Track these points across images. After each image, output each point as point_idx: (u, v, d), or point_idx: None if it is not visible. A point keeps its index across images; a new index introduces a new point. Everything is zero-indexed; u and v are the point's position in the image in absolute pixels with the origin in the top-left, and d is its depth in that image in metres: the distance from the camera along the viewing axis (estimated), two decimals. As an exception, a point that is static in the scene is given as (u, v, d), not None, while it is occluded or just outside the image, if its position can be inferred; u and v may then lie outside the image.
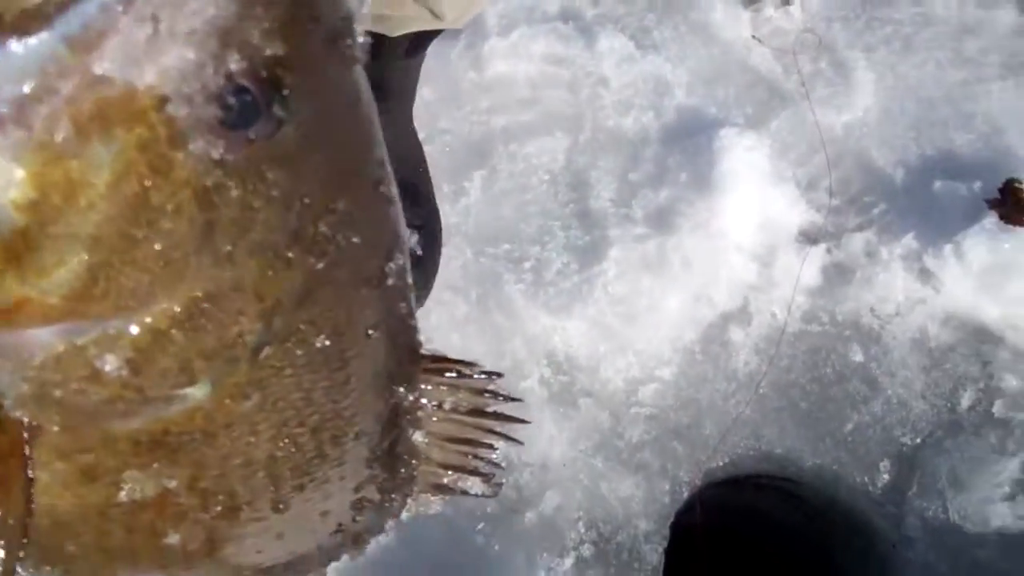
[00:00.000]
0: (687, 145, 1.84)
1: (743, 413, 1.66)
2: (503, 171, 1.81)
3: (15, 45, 0.33)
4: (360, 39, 0.46)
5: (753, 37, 2.00)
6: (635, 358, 1.68)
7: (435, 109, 1.87)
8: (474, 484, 0.66)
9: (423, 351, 0.60)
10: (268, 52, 0.39)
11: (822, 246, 1.80)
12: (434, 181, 1.74)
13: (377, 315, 0.54)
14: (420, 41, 1.52)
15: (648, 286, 1.71)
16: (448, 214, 1.75)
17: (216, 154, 0.40)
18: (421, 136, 1.76)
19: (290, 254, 0.45)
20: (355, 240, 0.49)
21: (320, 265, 0.47)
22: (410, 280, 0.56)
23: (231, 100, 0.39)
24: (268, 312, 0.46)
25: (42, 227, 0.37)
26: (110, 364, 0.43)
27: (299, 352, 0.50)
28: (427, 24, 1.39)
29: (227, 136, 0.39)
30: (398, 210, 0.54)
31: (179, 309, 0.43)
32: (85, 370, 0.43)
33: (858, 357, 1.72)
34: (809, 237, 1.81)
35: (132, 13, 0.34)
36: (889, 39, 2.02)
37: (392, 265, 0.53)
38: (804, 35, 2.00)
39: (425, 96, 1.86)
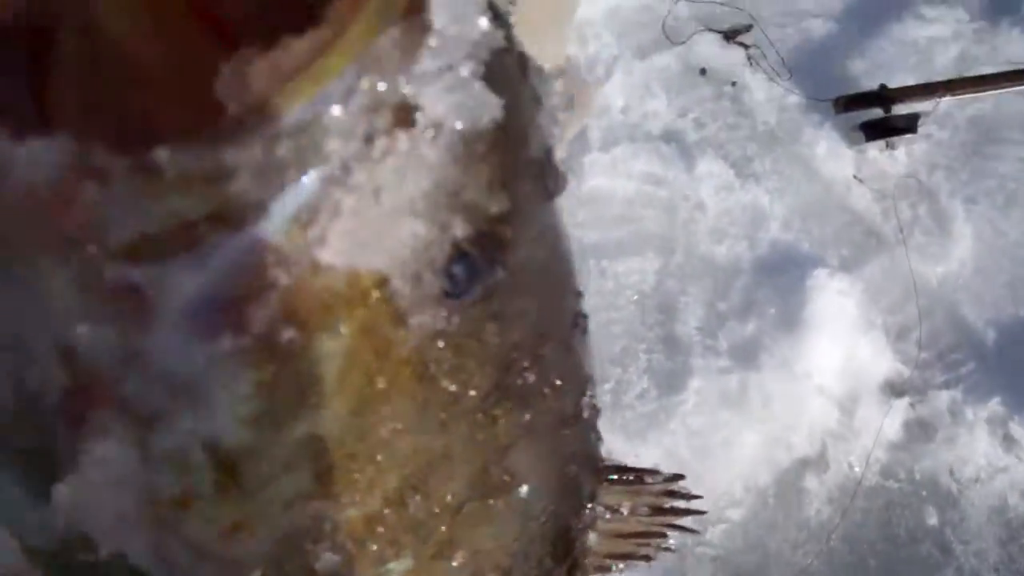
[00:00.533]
0: (779, 280, 1.85)
1: (811, 564, 1.65)
2: (592, 287, 1.83)
3: (230, 240, 0.31)
4: (559, 168, 0.44)
5: (855, 177, 2.00)
6: (705, 494, 1.67)
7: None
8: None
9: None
10: (493, 210, 0.38)
11: (906, 399, 1.79)
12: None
13: (572, 451, 0.54)
14: None
15: (726, 421, 1.71)
16: (533, 325, 1.77)
17: (437, 325, 0.38)
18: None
19: (498, 411, 0.44)
20: (557, 383, 0.48)
21: (526, 416, 0.46)
22: (599, 405, 0.56)
23: (456, 269, 0.37)
24: (474, 473, 0.45)
25: (268, 438, 0.35)
26: (324, 560, 0.42)
27: (499, 503, 0.49)
28: None
29: (448, 305, 0.38)
30: (588, 343, 0.52)
31: (393, 489, 0.42)
32: (300, 561, 0.42)
33: (933, 520, 1.71)
34: (894, 389, 1.80)
35: (352, 191, 0.32)
36: (992, 192, 2.02)
37: (587, 398, 0.53)
38: (906, 180, 2.00)
39: (522, 202, 1.89)
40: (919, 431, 1.77)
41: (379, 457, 0.39)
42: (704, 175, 1.96)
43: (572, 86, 1.41)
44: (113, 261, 0.29)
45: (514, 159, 0.38)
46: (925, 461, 1.75)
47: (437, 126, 0.33)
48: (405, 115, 0.32)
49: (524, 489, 0.49)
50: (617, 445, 1.68)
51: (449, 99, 0.33)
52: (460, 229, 0.36)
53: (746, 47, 2.14)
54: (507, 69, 0.37)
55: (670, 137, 2.01)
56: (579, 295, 0.50)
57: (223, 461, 0.35)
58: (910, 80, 2.08)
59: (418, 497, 0.43)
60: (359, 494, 0.40)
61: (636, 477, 0.63)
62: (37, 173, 0.27)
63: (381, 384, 0.37)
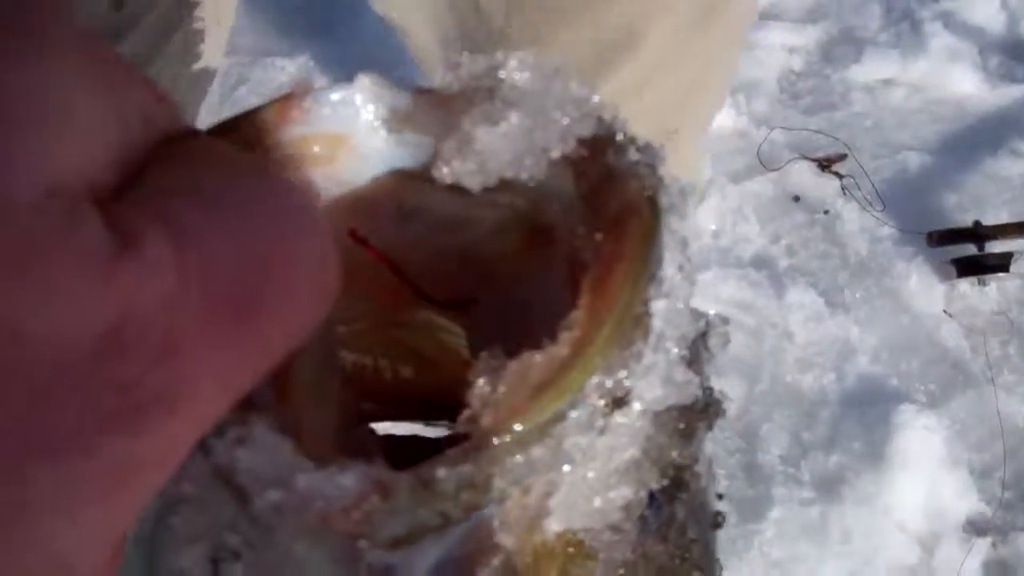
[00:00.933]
0: (865, 413, 1.88)
1: None
2: (677, 409, 1.88)
3: (472, 518, 0.34)
4: (718, 411, 0.48)
5: (945, 312, 2.03)
6: (782, 627, 1.70)
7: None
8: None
9: None
10: (683, 462, 0.41)
11: (988, 539, 1.80)
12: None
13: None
14: None
15: (805, 553, 1.73)
16: (618, 444, 1.82)
17: (621, 557, 0.41)
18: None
19: None
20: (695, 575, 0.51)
21: None
22: None
23: (647, 513, 0.41)
24: None
25: None
26: None
27: None
28: None
29: (634, 540, 0.41)
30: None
31: None
32: None
33: (1012, 666, 1.71)
34: (976, 528, 1.81)
35: (572, 467, 0.35)
36: (1084, 334, 2.03)
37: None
38: (996, 318, 2.03)
39: (612, 320, 1.95)
40: (1000, 573, 1.77)
41: None
42: (793, 303, 2.01)
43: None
44: (376, 550, 0.33)
45: (696, 413, 0.42)
46: (1006, 605, 1.75)
47: (647, 406, 0.36)
48: (623, 400, 0.36)
49: None
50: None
51: (660, 385, 0.37)
52: (656, 483, 0.40)
53: (840, 176, 2.20)
54: (698, 343, 0.41)
55: (760, 263, 2.07)
56: (720, 497, 0.54)
57: None
58: (1004, 215, 2.12)
59: None
60: None
61: None
62: (335, 494, 0.31)
63: None
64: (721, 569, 0.59)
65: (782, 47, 2.47)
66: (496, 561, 0.36)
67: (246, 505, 0.32)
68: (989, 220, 2.07)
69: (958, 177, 2.23)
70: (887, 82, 2.41)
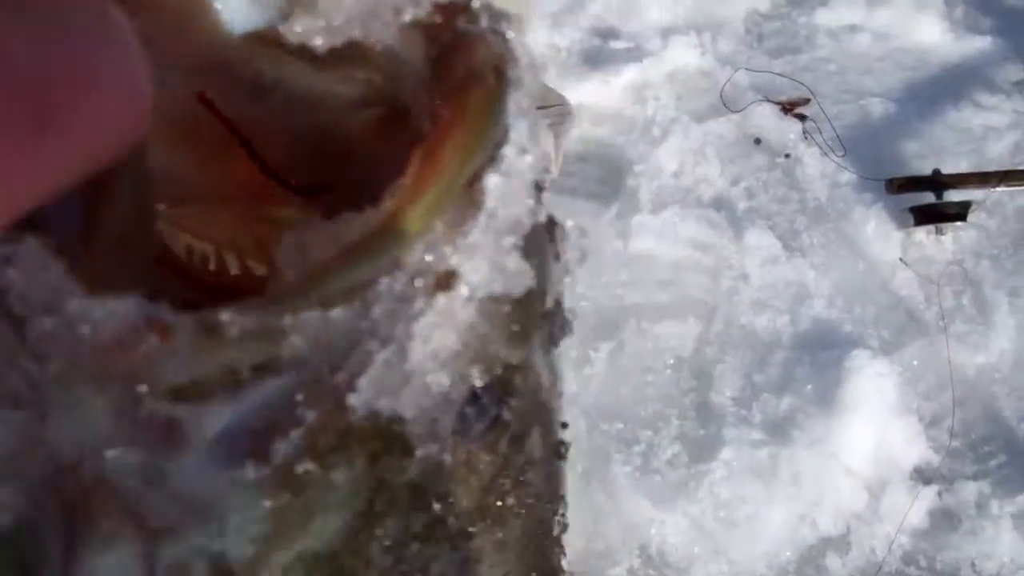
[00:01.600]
0: (817, 358, 1.89)
1: (826, 646, 1.68)
2: (630, 347, 1.88)
3: (259, 391, 0.34)
4: (568, 318, 0.47)
5: (901, 260, 2.05)
6: (728, 567, 1.71)
7: (574, 272, 1.95)
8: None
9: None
10: (510, 361, 0.41)
11: (934, 487, 1.82)
12: (562, 344, 1.82)
13: (539, 564, 0.58)
14: None
15: (753, 494, 1.75)
16: (570, 380, 1.82)
17: (439, 457, 0.41)
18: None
19: (476, 528, 0.48)
20: (532, 503, 0.52)
21: (499, 534, 0.50)
22: (567, 522, 0.61)
23: (467, 411, 0.40)
24: None
25: (269, 554, 0.38)
26: None
27: None
28: None
29: (453, 440, 0.41)
30: (562, 467, 0.56)
31: None
32: None
33: (952, 612, 1.74)
34: (922, 476, 1.83)
35: (385, 344, 0.34)
36: (1037, 286, 2.06)
37: (558, 517, 0.58)
38: (951, 267, 2.05)
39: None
40: (944, 521, 1.80)
41: (367, 571, 0.42)
42: (751, 245, 2.01)
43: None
44: (156, 398, 0.32)
45: (533, 315, 0.42)
46: (948, 552, 1.78)
47: (473, 291, 0.35)
48: (447, 281, 0.35)
49: None
50: (644, 510, 1.73)
51: (488, 269, 0.36)
52: (478, 378, 0.38)
53: (803, 120, 2.20)
54: (540, 239, 0.40)
55: (720, 204, 2.06)
56: (564, 426, 0.53)
57: (225, 574, 0.37)
58: (963, 165, 2.13)
59: None
60: None
61: None
62: (107, 326, 0.30)
63: (380, 507, 0.40)
64: (565, 507, 0.59)
65: (749, -13, 2.45)
66: (295, 436, 0.34)
67: (22, 334, 0.31)
68: (948, 169, 2.08)
69: (919, 126, 2.24)
70: (853, 28, 2.41)
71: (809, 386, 1.85)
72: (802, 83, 2.24)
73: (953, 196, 2.05)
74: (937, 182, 2.06)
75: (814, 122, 2.19)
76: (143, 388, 0.31)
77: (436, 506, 0.43)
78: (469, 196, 0.34)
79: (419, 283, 0.34)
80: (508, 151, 0.34)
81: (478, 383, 0.39)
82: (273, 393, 0.34)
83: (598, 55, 2.17)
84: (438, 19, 0.34)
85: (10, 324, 0.31)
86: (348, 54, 0.34)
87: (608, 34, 2.23)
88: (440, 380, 0.37)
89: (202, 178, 0.38)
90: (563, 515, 0.59)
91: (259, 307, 0.32)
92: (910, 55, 2.36)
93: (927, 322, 2.00)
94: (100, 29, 0.25)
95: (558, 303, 0.46)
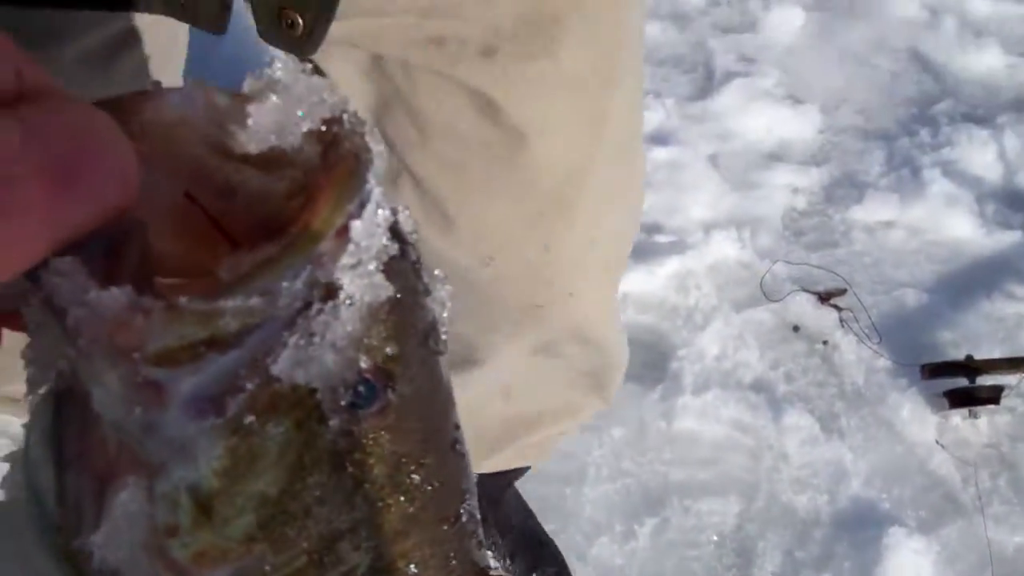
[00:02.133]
0: (856, 536, 1.97)
1: None
2: (674, 523, 1.98)
3: (214, 362, 0.50)
4: (443, 336, 0.62)
5: (937, 442, 2.14)
6: None
7: (620, 449, 2.08)
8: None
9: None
10: (387, 352, 0.55)
11: (977, 666, 1.87)
12: (608, 520, 1.93)
13: (454, 545, 0.66)
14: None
15: (795, 668, 1.81)
16: (615, 553, 1.92)
17: (346, 428, 0.54)
18: (604, 473, 1.98)
19: (390, 500, 0.59)
20: (437, 485, 0.62)
21: (411, 508, 0.61)
22: (479, 516, 0.69)
23: (360, 388, 0.54)
24: (373, 548, 0.59)
25: (229, 487, 0.52)
26: None
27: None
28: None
29: (354, 414, 0.54)
30: (469, 463, 0.67)
31: (315, 549, 0.56)
32: None
33: None
34: (964, 654, 1.88)
35: (296, 333, 0.50)
36: (1074, 470, 2.13)
37: (466, 506, 0.66)
38: (987, 450, 2.13)
39: (615, 436, 2.08)
40: None
41: (302, 516, 0.55)
42: (790, 427, 2.12)
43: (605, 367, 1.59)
44: (146, 365, 0.48)
45: (404, 325, 0.56)
46: None
47: (351, 298, 0.51)
48: (331, 291, 0.51)
49: (414, 568, 0.63)
50: None
51: (359, 283, 0.51)
52: (364, 363, 0.53)
53: (839, 309, 2.34)
54: (402, 267, 0.55)
55: (760, 387, 2.19)
56: (458, 427, 0.65)
57: (199, 501, 0.52)
58: (996, 353, 2.25)
59: (331, 559, 0.57)
60: (285, 546, 0.55)
61: None
62: (110, 308, 0.47)
63: (308, 462, 0.54)
64: (474, 498, 0.68)
65: (787, 187, 2.64)
66: (241, 398, 0.50)
67: (63, 324, 0.48)
68: (982, 357, 2.19)
69: (953, 315, 2.36)
70: (887, 224, 2.57)
71: (848, 563, 1.93)
72: (838, 274, 2.39)
73: (986, 381, 2.15)
74: (969, 367, 2.17)
75: (851, 311, 2.32)
76: (137, 355, 0.48)
77: (353, 470, 0.56)
78: (343, 235, 0.51)
79: (314, 292, 0.50)
80: (369, 207, 0.51)
81: (364, 366, 0.54)
82: (224, 365, 0.50)
83: (643, 248, 2.35)
84: (324, 128, 0.52)
85: (55, 317, 0.48)
86: (276, 157, 0.52)
87: (653, 229, 2.41)
88: (336, 360, 0.52)
89: (190, 257, 0.55)
90: (472, 507, 0.68)
91: (206, 297, 0.49)
92: (943, 248, 2.51)
93: (964, 503, 2.07)
94: (102, 122, 0.45)
95: (433, 323, 0.61)
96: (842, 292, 2.37)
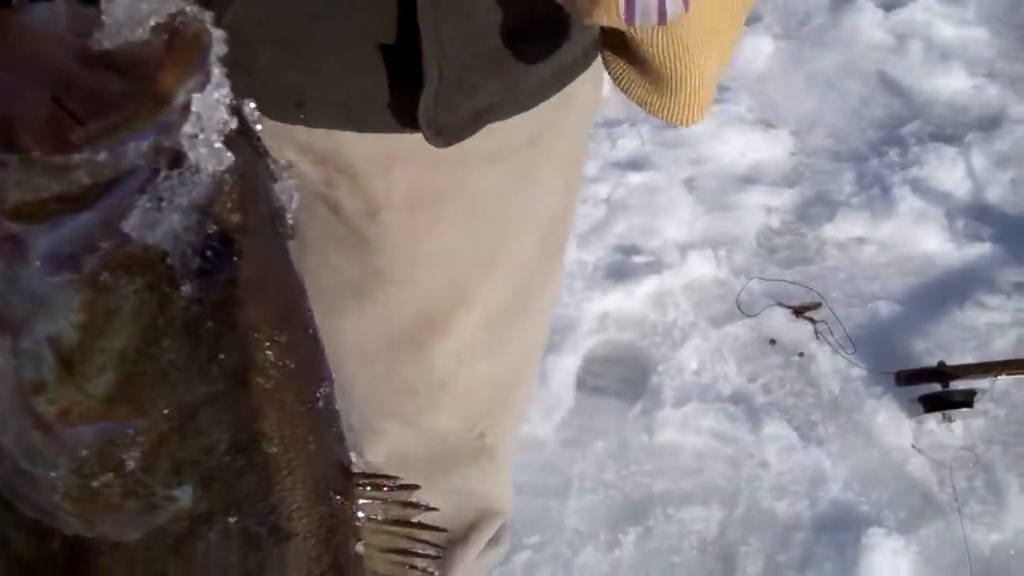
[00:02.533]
0: (836, 538, 2.03)
1: None
2: (657, 532, 2.04)
3: (70, 219, 0.53)
4: (290, 222, 0.64)
5: (913, 447, 2.20)
6: None
7: (603, 462, 2.14)
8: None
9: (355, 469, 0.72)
10: (231, 221, 0.58)
11: (959, 661, 1.91)
12: (593, 530, 1.99)
13: (313, 430, 0.67)
14: None
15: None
16: (600, 562, 1.98)
17: (197, 292, 0.57)
18: (587, 485, 2.04)
19: (246, 373, 0.61)
20: (292, 367, 0.64)
21: (267, 385, 0.62)
22: (337, 407, 0.70)
23: (208, 254, 0.57)
24: (232, 423, 0.61)
25: (89, 343, 0.54)
26: (131, 461, 0.57)
27: (255, 457, 0.63)
28: None
29: (205, 279, 0.57)
30: (323, 348, 0.69)
31: (175, 415, 0.58)
32: (113, 464, 0.57)
33: None
34: (946, 649, 1.93)
35: (145, 197, 0.53)
36: (1048, 469, 2.19)
37: (322, 391, 0.68)
38: (962, 452, 2.19)
39: (597, 449, 2.14)
40: None
41: (160, 378, 0.57)
42: (769, 436, 2.18)
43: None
44: (6, 219, 0.52)
45: (249, 199, 0.60)
46: None
47: (196, 167, 0.55)
48: (176, 157, 0.55)
49: (274, 447, 0.64)
50: None
51: (203, 152, 0.55)
52: (210, 229, 0.57)
53: (814, 322, 2.41)
54: (245, 146, 0.59)
55: (739, 399, 2.25)
56: (310, 313, 0.67)
57: (61, 356, 0.55)
58: (969, 360, 2.31)
59: (191, 428, 0.59)
60: (146, 410, 0.58)
61: (382, 483, 0.73)
62: None
63: (161, 325, 0.57)
64: (331, 386, 0.68)
65: (761, 207, 2.71)
66: (95, 257, 0.54)
67: None
68: (955, 363, 2.26)
69: (926, 325, 2.43)
70: (859, 240, 2.64)
71: (828, 564, 1.98)
72: (813, 289, 2.46)
73: (959, 385, 2.22)
74: (943, 373, 2.23)
75: (825, 323, 2.39)
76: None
77: (206, 336, 0.59)
78: (186, 107, 0.55)
79: (160, 157, 0.54)
80: (209, 85, 0.56)
81: (210, 232, 0.57)
82: (79, 224, 0.54)
83: (622, 269, 2.42)
84: (168, 19, 0.56)
85: None
86: (132, 59, 0.55)
87: (631, 250, 2.48)
88: (184, 223, 0.56)
89: None
90: (330, 393, 0.69)
91: (56, 153, 0.53)
92: (914, 262, 2.58)
93: (941, 504, 2.12)
94: None
95: (279, 208, 0.64)
96: (817, 306, 2.44)
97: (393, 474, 0.74)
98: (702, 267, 2.50)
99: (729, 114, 2.97)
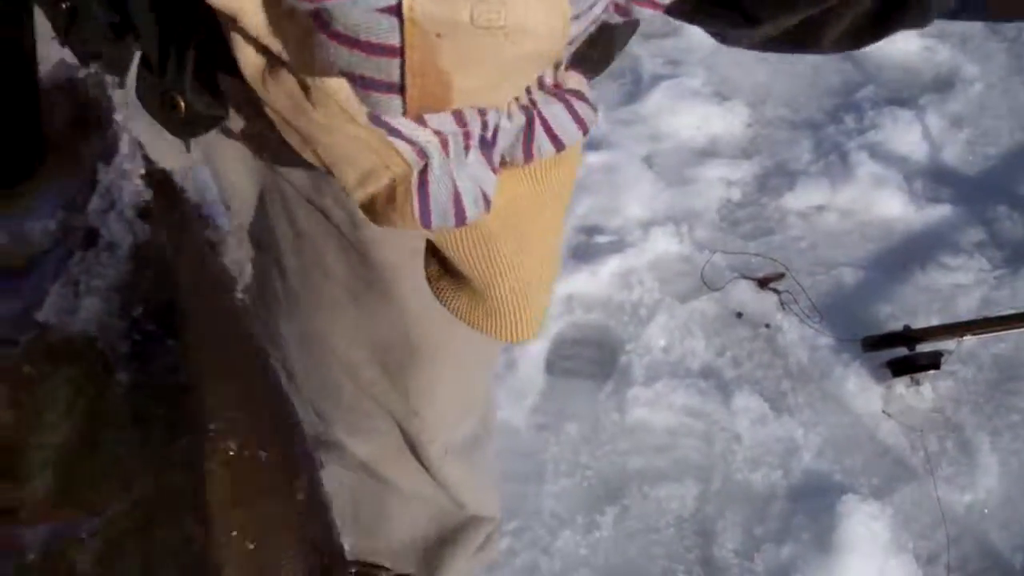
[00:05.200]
0: (812, 506, 2.07)
1: None
2: (634, 511, 2.07)
3: None
4: (241, 293, 0.62)
5: (883, 412, 2.25)
6: None
7: (577, 444, 2.17)
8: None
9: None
10: (162, 299, 0.55)
11: (938, 621, 1.97)
12: (570, 513, 2.02)
13: (290, 524, 0.63)
14: None
15: (762, 638, 1.90)
16: (579, 544, 2.01)
17: (134, 379, 0.53)
18: (562, 468, 2.07)
19: (205, 467, 0.57)
20: (260, 455, 0.60)
21: (229, 478, 0.58)
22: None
23: (139, 337, 0.54)
24: (193, 520, 0.57)
25: (27, 437, 0.51)
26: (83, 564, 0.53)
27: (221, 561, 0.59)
28: None
29: (140, 364, 0.53)
30: (300, 428, 0.66)
31: (129, 514, 0.54)
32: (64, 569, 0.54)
33: None
34: (925, 610, 1.98)
35: (60, 280, 0.51)
36: (1016, 426, 2.24)
37: (300, 480, 0.64)
38: (932, 415, 2.24)
39: (570, 431, 2.17)
40: (951, 652, 1.94)
41: (113, 469, 0.54)
42: (740, 409, 2.22)
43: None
44: None
45: (183, 272, 0.57)
46: None
47: (112, 243, 0.53)
48: (92, 237, 0.52)
49: (251, 544, 0.61)
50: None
51: (118, 227, 0.53)
52: (136, 311, 0.54)
53: (779, 292, 2.45)
54: (169, 216, 0.56)
55: (708, 374, 2.29)
56: (278, 386, 0.66)
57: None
58: (934, 322, 2.36)
59: (142, 526, 0.56)
60: (94, 505, 0.55)
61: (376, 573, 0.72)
62: None
63: (103, 413, 0.53)
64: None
65: (720, 180, 2.75)
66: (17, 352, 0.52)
67: None
68: (921, 326, 2.31)
69: (890, 289, 2.48)
70: (819, 208, 2.69)
71: (806, 533, 2.02)
72: (776, 260, 2.50)
73: (925, 348, 2.27)
74: (908, 337, 2.28)
75: (790, 294, 2.43)
76: None
77: (157, 434, 0.55)
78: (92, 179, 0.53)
79: (70, 236, 0.52)
80: (117, 157, 0.54)
81: (136, 315, 0.54)
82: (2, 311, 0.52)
83: (585, 250, 2.45)
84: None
85: None
86: None
87: (593, 231, 2.51)
88: (106, 311, 0.53)
89: None
90: (314, 477, 0.66)
91: None
92: (875, 227, 2.63)
93: (914, 467, 2.17)
94: None
95: (226, 278, 0.61)
96: (780, 276, 2.48)
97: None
98: (665, 244, 2.53)
99: (684, 88, 3.01)
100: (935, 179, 2.77)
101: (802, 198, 2.71)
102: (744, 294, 2.45)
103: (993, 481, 2.16)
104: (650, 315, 2.37)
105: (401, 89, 0.48)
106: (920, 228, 2.65)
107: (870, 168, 2.74)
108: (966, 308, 2.44)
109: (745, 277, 2.48)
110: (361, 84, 0.49)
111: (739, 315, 2.42)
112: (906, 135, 2.85)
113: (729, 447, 2.17)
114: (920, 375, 2.26)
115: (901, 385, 2.28)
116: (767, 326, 2.40)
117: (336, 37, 0.46)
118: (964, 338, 2.28)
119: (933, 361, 2.25)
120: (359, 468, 1.17)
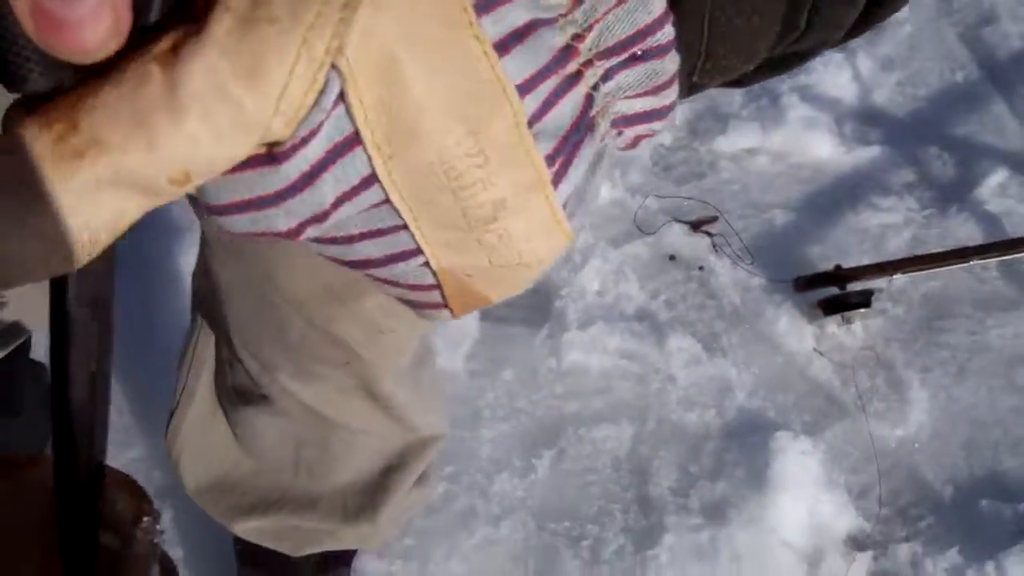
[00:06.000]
0: (745, 443, 2.11)
1: None
2: (571, 453, 2.09)
3: None
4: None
5: (815, 350, 2.29)
6: (680, 642, 1.88)
7: (514, 390, 2.18)
8: None
9: None
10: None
11: (869, 553, 2.01)
12: (507, 456, 2.04)
13: None
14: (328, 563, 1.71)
15: (697, 574, 1.93)
16: (516, 487, 2.02)
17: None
18: (499, 414, 2.08)
19: None
20: None
21: None
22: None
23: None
24: None
25: None
26: None
27: None
28: (346, 543, 1.36)
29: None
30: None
31: None
32: None
33: (898, 664, 1.90)
34: (857, 543, 2.02)
35: None
36: (945, 363, 2.30)
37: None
38: (863, 352, 2.29)
39: (505, 377, 2.18)
40: (882, 582, 1.99)
41: None
42: (674, 350, 2.25)
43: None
44: None
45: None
46: (889, 610, 1.96)
47: None
48: None
49: None
50: (596, 597, 1.91)
51: None
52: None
53: (711, 235, 2.47)
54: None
55: (643, 316, 2.31)
56: None
57: None
58: (865, 261, 2.40)
59: None
60: None
61: None
62: None
63: None
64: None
65: (653, 125, 2.76)
66: None
67: None
68: (851, 266, 2.35)
69: (821, 230, 2.52)
70: (751, 151, 2.71)
71: (740, 470, 2.06)
72: (708, 203, 2.53)
73: (856, 287, 2.31)
74: (839, 276, 2.31)
75: (723, 236, 2.46)
76: None
77: None
78: None
79: None
80: None
81: None
82: None
83: (517, 196, 2.45)
84: None
85: None
86: None
87: (525, 177, 2.51)
88: None
89: None
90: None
91: None
92: (806, 169, 2.66)
93: (846, 403, 2.22)
94: None
95: None
96: (713, 219, 2.51)
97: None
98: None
99: (615, 33, 3.00)
100: (865, 121, 2.81)
101: (734, 141, 2.73)
102: (677, 238, 2.47)
103: (923, 416, 2.21)
104: (584, 260, 2.38)
105: (445, 305, 0.53)
106: (850, 169, 2.68)
107: (801, 111, 2.76)
108: (896, 247, 2.48)
109: (678, 221, 2.50)
110: (412, 306, 0.54)
111: (672, 258, 2.44)
112: (836, 78, 2.88)
113: (664, 388, 2.20)
114: (851, 313, 2.29)
115: (833, 324, 2.32)
116: (700, 268, 2.42)
117: (378, 280, 0.52)
118: (894, 277, 2.33)
119: (864, 300, 2.29)
120: (304, 413, 1.17)
